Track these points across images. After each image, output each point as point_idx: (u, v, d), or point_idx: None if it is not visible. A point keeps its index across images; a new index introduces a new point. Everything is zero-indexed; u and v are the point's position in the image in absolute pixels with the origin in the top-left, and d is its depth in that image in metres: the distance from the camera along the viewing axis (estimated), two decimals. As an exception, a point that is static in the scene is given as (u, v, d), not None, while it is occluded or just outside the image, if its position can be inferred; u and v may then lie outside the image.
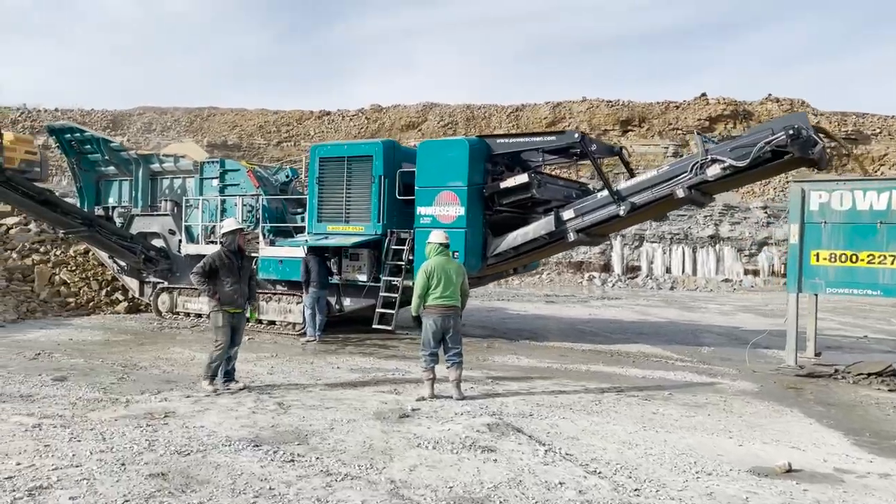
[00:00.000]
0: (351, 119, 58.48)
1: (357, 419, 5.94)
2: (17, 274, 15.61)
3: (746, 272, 39.84)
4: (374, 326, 11.84)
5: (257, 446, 4.96)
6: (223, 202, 14.28)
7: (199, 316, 14.01)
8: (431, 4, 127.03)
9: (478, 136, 11.90)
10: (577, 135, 10.69)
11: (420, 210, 11.60)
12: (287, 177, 14.70)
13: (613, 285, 37.80)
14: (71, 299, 15.40)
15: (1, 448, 4.71)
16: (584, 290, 34.73)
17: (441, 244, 7.20)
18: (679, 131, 52.36)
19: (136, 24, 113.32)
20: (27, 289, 15.28)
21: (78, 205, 15.69)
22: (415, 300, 7.05)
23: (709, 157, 9.91)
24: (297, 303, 12.76)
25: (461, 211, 11.17)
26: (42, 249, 16.69)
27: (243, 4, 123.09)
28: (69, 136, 15.69)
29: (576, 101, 57.92)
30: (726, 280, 38.74)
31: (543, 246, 11.54)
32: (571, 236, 10.95)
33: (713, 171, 9.83)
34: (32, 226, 18.10)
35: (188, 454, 4.65)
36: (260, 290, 13.30)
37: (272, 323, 13.15)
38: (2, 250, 16.33)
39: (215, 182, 14.65)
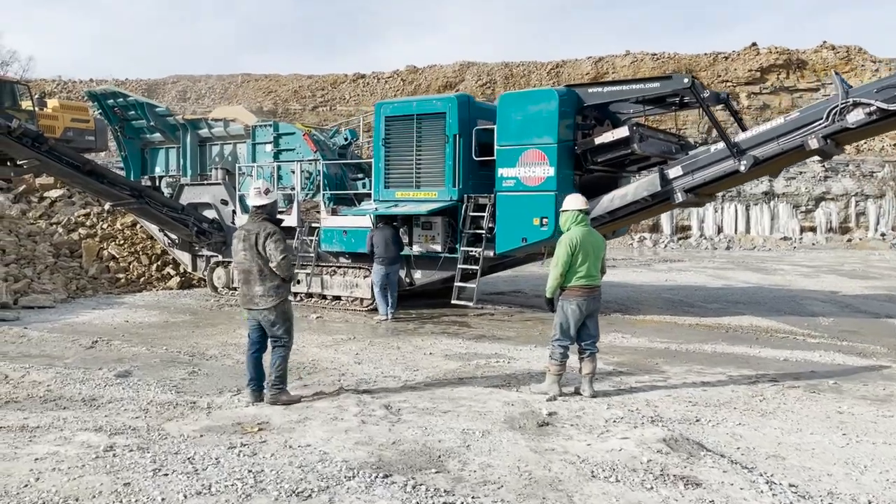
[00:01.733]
0: (386, 81, 57.03)
1: (490, 430, 4.84)
2: (63, 249, 14.83)
3: (803, 229, 37.89)
4: (453, 302, 10.76)
5: (387, 476, 3.89)
6: (279, 168, 13.21)
7: (258, 291, 13.05)
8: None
9: (566, 86, 10.56)
10: (686, 79, 9.29)
11: (501, 172, 10.37)
12: (346, 139, 13.53)
13: (665, 246, 36.28)
14: (121, 275, 14.59)
15: (69, 488, 3.70)
16: (636, 252, 33.28)
17: (580, 210, 5.94)
18: (728, 83, 49.80)
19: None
20: (75, 265, 14.50)
21: (124, 175, 14.76)
22: (554, 280, 5.83)
23: (850, 99, 8.46)
24: (365, 276, 11.71)
25: (550, 171, 9.91)
26: (88, 223, 15.89)
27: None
28: (112, 101, 14.70)
29: (619, 55, 55.60)
30: (785, 238, 36.90)
31: (643, 209, 10.26)
32: (679, 197, 9.64)
33: (856, 116, 8.39)
34: (76, 198, 17.33)
35: (309, 496, 3.58)
36: (323, 263, 12.33)
37: (337, 298, 12.14)
38: (47, 225, 15.56)
39: (269, 147, 13.55)
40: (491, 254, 10.63)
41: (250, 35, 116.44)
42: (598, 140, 9.88)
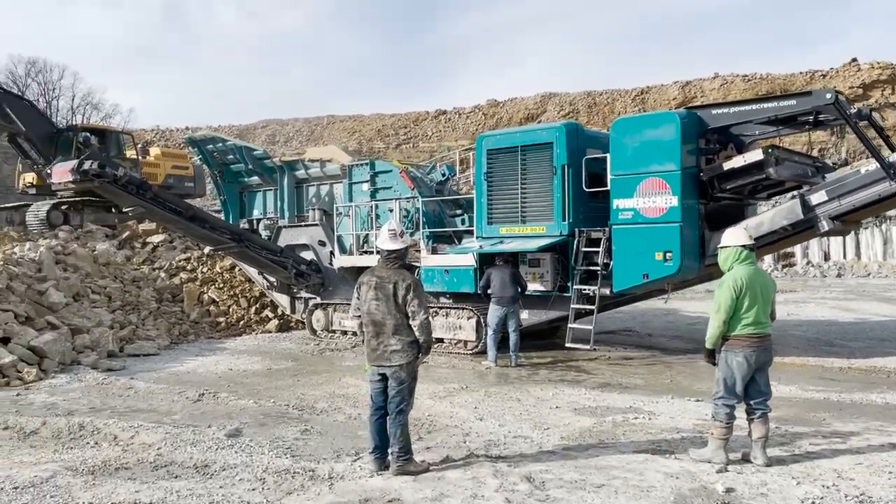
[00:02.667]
0: (468, 116, 57.22)
1: (662, 513, 4.06)
2: (166, 294, 14.96)
3: (920, 255, 34.88)
4: (567, 345, 9.98)
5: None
6: (376, 207, 12.88)
7: (356, 334, 12.65)
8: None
9: (687, 108, 9.76)
10: (829, 94, 8.32)
11: (617, 203, 9.61)
12: (443, 175, 13.09)
13: (770, 272, 34.15)
14: (221, 319, 14.55)
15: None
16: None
17: (744, 246, 5.13)
18: (829, 102, 46.89)
19: (251, 41, 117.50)
20: (177, 310, 14.57)
21: (223, 219, 14.82)
22: (716, 328, 5.02)
23: None
24: (468, 318, 11.10)
25: (673, 201, 9.07)
26: (189, 267, 16.04)
27: (348, 15, 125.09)
28: (211, 146, 14.85)
29: (707, 78, 53.92)
30: (905, 264, 34.04)
31: (780, 240, 9.25)
32: (824, 225, 8.59)
33: None
34: (177, 243, 17.62)
35: None
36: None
37: (440, 341, 11.56)
38: (150, 270, 15.79)
39: (365, 186, 13.27)
40: (607, 292, 9.83)
41: (334, 78, 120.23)
42: (728, 165, 9.00)
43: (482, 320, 10.81)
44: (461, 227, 12.36)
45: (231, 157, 14.88)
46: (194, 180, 20.78)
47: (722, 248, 5.27)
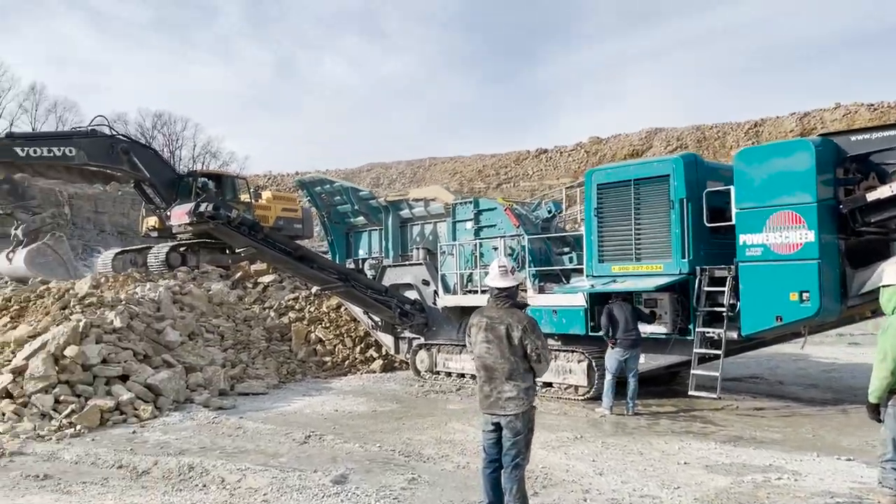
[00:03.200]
0: (569, 154, 56.63)
1: None
2: (275, 333, 15.21)
3: None
4: (690, 393, 9.22)
5: None
6: (480, 246, 12.62)
7: (462, 376, 12.32)
8: (634, 31, 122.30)
9: (821, 135, 8.96)
10: None
11: (744, 239, 8.86)
12: (549, 212, 12.69)
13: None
14: (327, 358, 14.59)
15: None
16: (870, 324, 28.69)
17: (911, 286, 4.46)
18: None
19: (357, 90, 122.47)
20: (285, 349, 14.75)
21: (329, 258, 15.02)
22: (881, 379, 4.35)
23: None
24: (579, 361, 10.52)
25: (810, 236, 8.25)
26: (297, 307, 16.30)
27: (449, 59, 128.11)
28: (319, 188, 15.18)
29: (828, 108, 50.97)
30: None
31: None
32: None
33: None
34: (286, 283, 18.03)
35: None
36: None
37: (548, 385, 11.02)
38: (260, 309, 16.17)
39: (469, 224, 13.08)
40: (735, 335, 9.03)
41: (436, 121, 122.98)
42: (872, 196, 8.11)
43: (593, 364, 10.24)
44: (569, 266, 11.88)
45: (338, 198, 15.13)
46: (302, 222, 21.40)
47: (885, 286, 4.59)
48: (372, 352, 15.04)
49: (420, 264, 13.70)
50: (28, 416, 8.50)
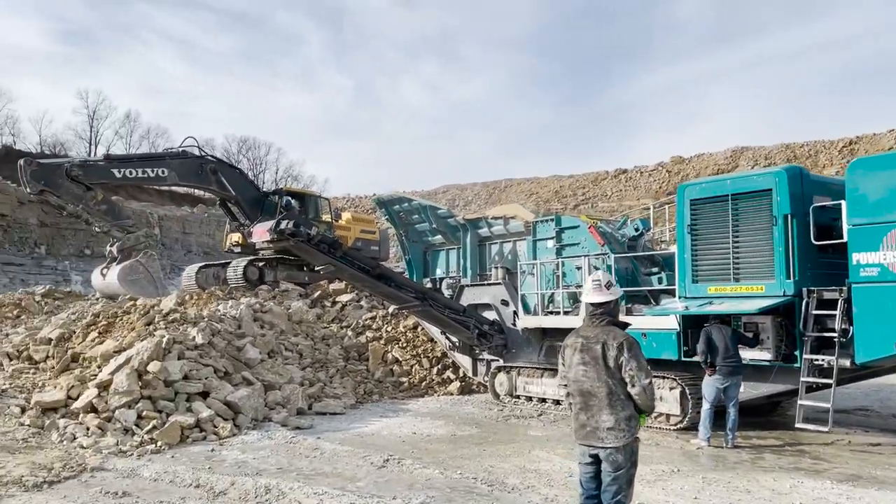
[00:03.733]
0: (650, 174, 55.19)
1: None
2: (352, 353, 15.10)
3: None
4: (797, 425, 8.42)
5: None
6: (562, 265, 12.14)
7: (543, 401, 11.81)
8: (713, 51, 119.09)
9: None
10: None
11: (857, 258, 8.07)
12: (636, 230, 12.08)
13: None
14: (404, 379, 14.34)
15: None
16: None
17: None
18: None
19: (432, 113, 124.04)
20: (362, 368, 14.60)
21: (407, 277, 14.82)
22: None
23: None
24: (671, 388, 9.86)
25: (937, 254, 7.43)
26: (374, 326, 16.18)
27: (524, 80, 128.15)
28: (397, 207, 15.07)
29: (929, 123, 47.72)
30: None
31: None
32: None
33: None
34: (364, 302, 17.98)
35: None
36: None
37: (637, 413, 10.38)
38: (338, 328, 16.13)
39: (550, 243, 12.62)
40: (847, 363, 8.22)
41: (511, 143, 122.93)
42: None
43: (687, 391, 9.57)
44: (658, 287, 11.24)
45: (416, 216, 14.97)
46: (379, 244, 21.45)
47: None
48: (449, 373, 14.71)
49: (499, 284, 13.31)
50: (111, 431, 8.57)
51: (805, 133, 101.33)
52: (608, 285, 4.46)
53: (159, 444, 8.41)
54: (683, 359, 9.70)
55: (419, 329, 15.66)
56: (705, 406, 8.69)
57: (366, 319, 16.47)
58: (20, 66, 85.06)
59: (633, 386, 4.20)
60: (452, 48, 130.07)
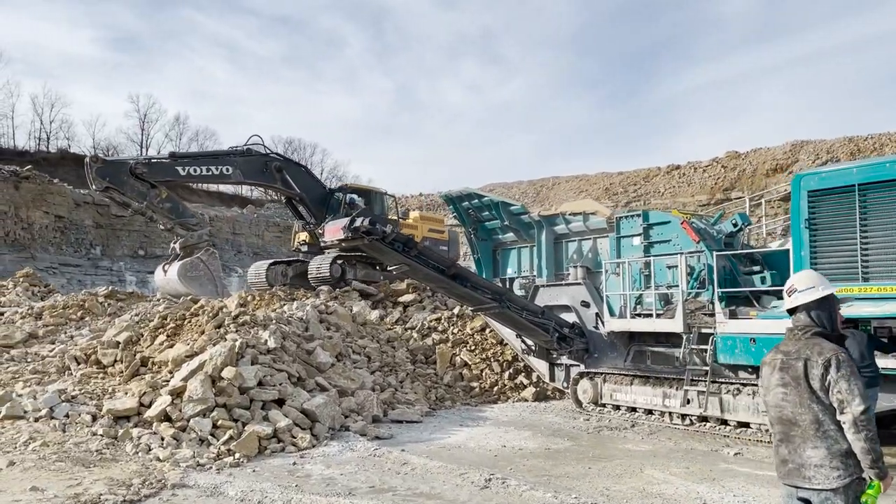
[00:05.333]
0: (704, 170, 53.43)
1: None
2: (419, 356, 14.46)
3: None
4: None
5: None
6: (652, 264, 11.28)
7: (633, 410, 10.97)
8: (761, 44, 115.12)
9: None
10: None
11: None
12: (735, 225, 11.14)
13: None
14: (475, 384, 13.64)
15: None
16: None
17: None
18: None
19: (474, 113, 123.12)
20: (430, 372, 13.95)
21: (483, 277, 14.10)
22: None
23: None
24: (785, 399, 8.91)
25: None
26: (440, 328, 15.52)
27: (566, 78, 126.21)
28: (466, 203, 14.35)
29: None
30: None
31: None
32: None
33: None
34: (426, 303, 17.35)
35: None
36: (722, 380, 9.85)
37: (744, 426, 9.49)
38: (402, 330, 15.52)
39: (637, 240, 11.76)
40: None
41: (555, 141, 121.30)
42: None
43: (806, 403, 8.63)
44: (761, 287, 10.30)
45: (486, 213, 14.25)
46: (448, 245, 20.76)
47: None
48: (522, 378, 13.95)
49: (579, 284, 12.49)
50: (186, 442, 8.05)
51: (866, 127, 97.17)
52: (813, 285, 3.65)
53: (237, 455, 7.85)
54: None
55: (487, 331, 14.94)
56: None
57: (431, 321, 15.82)
58: (73, 72, 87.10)
59: (841, 413, 3.36)
60: (493, 48, 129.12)
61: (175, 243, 16.78)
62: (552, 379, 13.09)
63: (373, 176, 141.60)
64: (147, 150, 57.58)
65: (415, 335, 15.23)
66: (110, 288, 16.57)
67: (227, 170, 15.85)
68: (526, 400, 13.10)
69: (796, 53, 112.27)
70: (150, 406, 8.69)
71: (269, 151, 17.23)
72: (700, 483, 6.81)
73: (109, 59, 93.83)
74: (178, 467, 7.24)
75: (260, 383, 9.20)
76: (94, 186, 15.24)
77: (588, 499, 6.23)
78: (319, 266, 17.00)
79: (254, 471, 7.39)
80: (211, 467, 7.43)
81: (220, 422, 8.43)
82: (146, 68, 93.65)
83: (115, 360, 10.32)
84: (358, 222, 10.26)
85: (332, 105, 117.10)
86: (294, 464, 7.71)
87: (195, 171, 15.60)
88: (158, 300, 15.75)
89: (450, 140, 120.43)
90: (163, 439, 8.05)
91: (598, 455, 8.27)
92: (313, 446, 8.50)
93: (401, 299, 17.55)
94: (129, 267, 35.46)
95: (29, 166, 33.50)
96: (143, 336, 10.77)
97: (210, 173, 15.77)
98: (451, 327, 15.52)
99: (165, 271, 16.93)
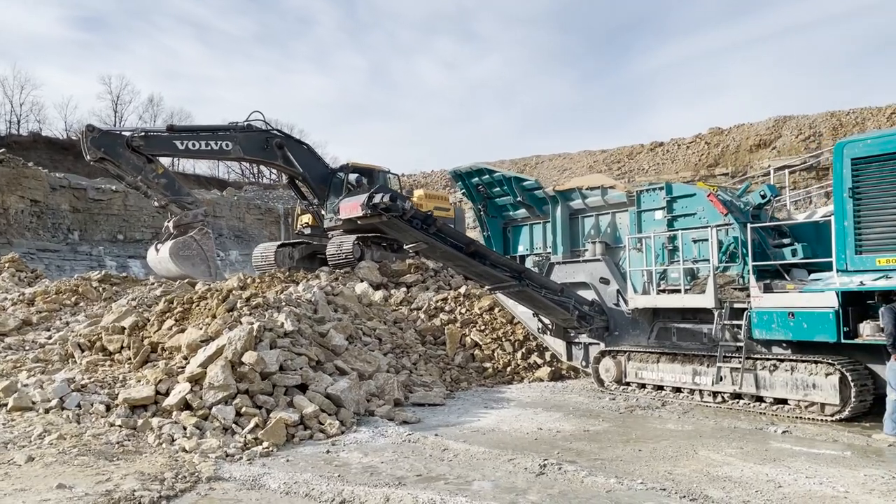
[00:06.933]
0: (688, 147, 53.30)
1: None
2: (428, 336, 14.07)
3: None
4: None
5: None
6: (676, 238, 10.96)
7: (660, 388, 10.69)
8: (736, 19, 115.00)
9: None
10: None
11: None
12: (763, 196, 10.83)
13: None
14: (487, 364, 13.27)
15: None
16: None
17: None
18: None
19: (450, 92, 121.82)
20: (441, 353, 13.56)
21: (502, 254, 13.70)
22: None
23: None
24: (827, 374, 8.69)
25: None
26: (447, 308, 15.12)
27: (542, 56, 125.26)
28: (476, 179, 13.89)
29: None
30: None
31: None
32: None
33: None
34: (429, 283, 16.96)
35: None
36: (757, 356, 9.58)
37: (782, 402, 9.24)
38: (409, 311, 15.11)
39: (659, 214, 11.43)
40: None
41: (532, 119, 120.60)
42: None
43: (849, 377, 8.39)
44: (792, 260, 10.03)
45: (497, 189, 13.81)
46: (454, 223, 20.34)
47: None
48: (535, 357, 13.61)
49: (598, 260, 12.15)
50: (210, 431, 7.57)
51: (847, 101, 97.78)
52: None
53: (265, 444, 7.39)
54: (843, 341, 8.52)
55: (496, 310, 14.57)
56: (892, 396, 7.53)
57: (437, 301, 15.42)
58: (39, 53, 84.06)
59: None
60: (468, 25, 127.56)
61: (168, 221, 16.16)
62: (570, 358, 12.77)
63: (351, 156, 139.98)
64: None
65: (422, 316, 14.83)
66: (103, 272, 15.89)
67: (227, 145, 15.22)
68: (542, 380, 12.78)
69: (766, 29, 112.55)
70: (166, 394, 8.19)
71: (269, 127, 16.59)
72: (762, 464, 6.51)
73: (77, 39, 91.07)
74: (207, 458, 6.77)
75: (282, 368, 8.73)
76: (87, 156, 14.61)
77: (655, 483, 5.89)
78: (340, 245, 16.51)
79: (287, 460, 6.95)
80: (241, 457, 6.97)
81: (243, 409, 7.96)
82: (115, 48, 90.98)
83: (122, 347, 9.77)
84: (377, 198, 9.74)
85: (306, 85, 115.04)
86: (328, 452, 7.28)
87: (193, 145, 14.95)
88: (153, 284, 15.12)
89: (427, 119, 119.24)
90: (185, 429, 7.56)
91: (641, 436, 7.95)
92: (342, 433, 8.07)
93: (403, 279, 17.13)
94: (108, 251, 34.45)
95: (2, 150, 32.28)
96: (149, 321, 10.21)
97: (209, 148, 15.13)
98: (459, 307, 15.14)
99: (158, 250, 16.32)
